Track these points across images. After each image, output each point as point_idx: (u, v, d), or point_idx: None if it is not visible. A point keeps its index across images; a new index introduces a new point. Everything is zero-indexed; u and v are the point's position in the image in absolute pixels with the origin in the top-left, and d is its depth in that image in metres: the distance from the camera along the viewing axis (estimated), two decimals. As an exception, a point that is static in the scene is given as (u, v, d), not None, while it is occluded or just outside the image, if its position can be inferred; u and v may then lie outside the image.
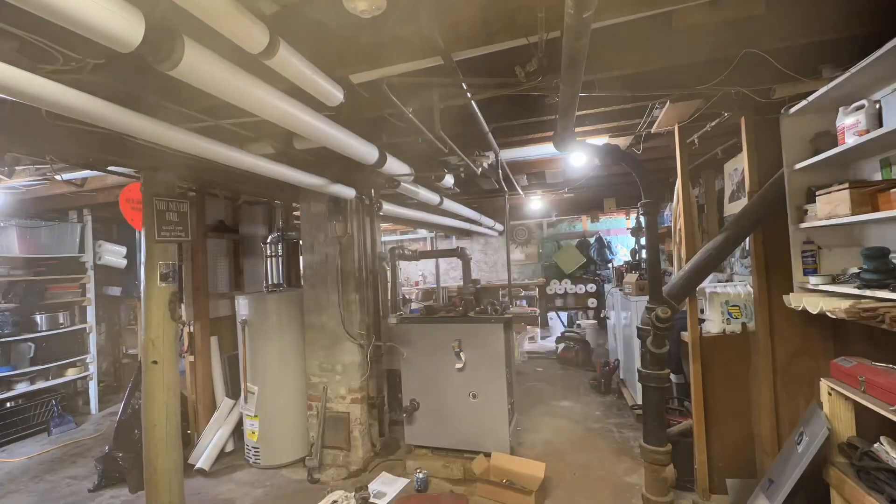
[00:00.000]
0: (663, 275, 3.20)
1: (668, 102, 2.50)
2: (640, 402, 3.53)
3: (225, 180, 3.72)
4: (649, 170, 2.70)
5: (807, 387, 2.49)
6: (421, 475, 3.19)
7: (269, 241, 4.62)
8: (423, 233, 10.02)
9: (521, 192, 5.31)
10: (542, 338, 8.17)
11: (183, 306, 3.93)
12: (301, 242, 4.08)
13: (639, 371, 2.64)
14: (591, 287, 8.27)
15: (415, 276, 10.05)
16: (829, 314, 1.91)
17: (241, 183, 3.82)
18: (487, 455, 3.29)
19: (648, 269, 2.68)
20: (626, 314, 4.79)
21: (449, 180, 3.95)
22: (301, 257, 4.53)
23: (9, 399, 4.59)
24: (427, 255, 4.91)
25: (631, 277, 4.75)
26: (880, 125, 1.74)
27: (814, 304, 2.02)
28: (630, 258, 7.44)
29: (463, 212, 6.13)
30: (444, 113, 2.46)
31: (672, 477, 2.53)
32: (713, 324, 2.88)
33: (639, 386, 2.75)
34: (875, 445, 1.78)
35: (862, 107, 1.80)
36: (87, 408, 5.30)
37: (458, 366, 3.37)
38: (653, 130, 2.96)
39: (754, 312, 2.68)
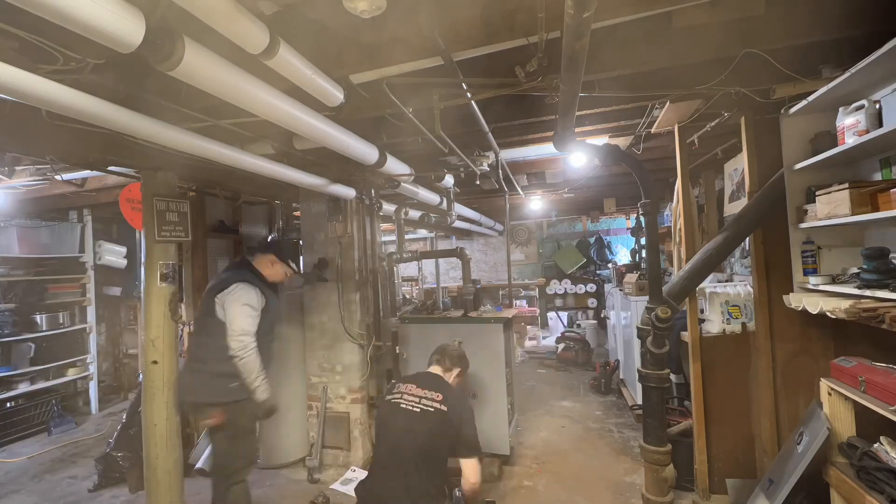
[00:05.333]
0: (663, 275, 3.20)
1: (668, 102, 2.50)
2: (640, 402, 3.53)
3: (225, 180, 3.72)
4: (649, 170, 2.70)
5: (807, 387, 2.49)
6: None
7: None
8: (423, 233, 10.02)
9: (521, 192, 5.31)
10: (543, 338, 8.17)
11: (183, 306, 3.93)
12: (301, 242, 4.09)
13: (639, 371, 2.63)
14: (591, 287, 8.27)
15: (415, 275, 10.05)
16: (829, 314, 1.91)
17: (241, 183, 3.82)
18: (489, 456, 3.30)
19: (648, 269, 2.68)
20: (626, 314, 4.79)
21: (449, 180, 3.95)
22: (301, 257, 4.53)
23: (9, 399, 4.59)
24: (427, 255, 4.92)
25: (631, 277, 4.75)
26: (880, 125, 1.74)
27: (814, 304, 2.02)
28: (630, 258, 7.45)
29: (463, 212, 6.13)
30: (444, 113, 2.46)
31: (672, 477, 2.53)
32: (713, 324, 2.88)
33: (639, 386, 2.75)
34: (875, 445, 1.78)
35: (862, 107, 1.80)
36: (88, 408, 5.30)
37: (458, 366, 3.37)
38: (653, 130, 2.96)
39: (754, 312, 2.68)
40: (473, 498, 2.13)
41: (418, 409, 2.11)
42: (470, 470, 2.08)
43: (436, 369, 2.42)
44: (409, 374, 2.48)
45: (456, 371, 2.45)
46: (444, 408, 2.10)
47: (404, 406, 2.14)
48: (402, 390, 2.23)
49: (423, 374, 2.40)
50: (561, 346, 6.67)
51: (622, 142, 3.43)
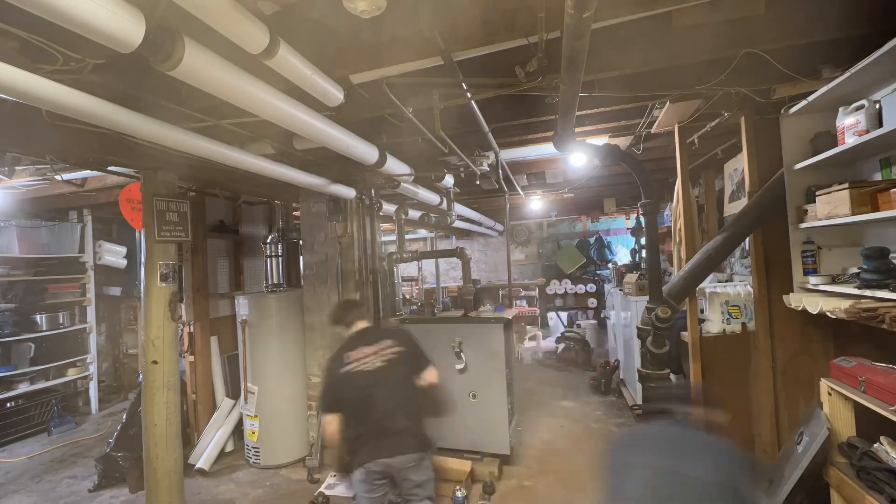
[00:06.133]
0: (663, 275, 3.20)
1: (668, 102, 2.50)
2: (640, 402, 3.53)
3: (225, 180, 3.72)
4: (649, 170, 2.70)
5: (807, 387, 2.49)
6: None
7: (269, 241, 4.61)
8: (423, 233, 10.02)
9: (521, 192, 5.31)
10: (543, 338, 8.17)
11: (183, 306, 3.93)
12: (301, 242, 4.09)
13: (639, 371, 2.64)
14: (591, 287, 8.29)
15: (415, 275, 10.05)
16: (828, 314, 1.91)
17: (241, 183, 3.82)
18: (489, 455, 3.30)
19: (648, 269, 2.68)
20: (626, 314, 4.79)
21: (449, 180, 3.95)
22: (301, 257, 4.54)
23: (9, 399, 4.59)
24: (427, 255, 4.92)
25: (631, 277, 4.75)
26: (880, 125, 1.74)
27: (814, 304, 2.02)
28: (630, 258, 7.45)
29: (463, 212, 6.13)
30: (444, 113, 2.45)
31: (672, 477, 2.53)
32: (713, 324, 2.88)
33: (639, 386, 2.75)
34: (875, 445, 1.78)
35: (862, 107, 1.80)
36: (88, 408, 5.30)
37: (459, 366, 3.37)
38: (653, 130, 2.96)
39: (754, 312, 2.68)
40: (434, 390, 2.44)
41: (382, 363, 2.24)
42: (431, 374, 2.37)
43: (363, 324, 2.48)
44: (347, 343, 2.39)
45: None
46: (401, 348, 2.31)
47: (366, 369, 2.22)
48: (355, 357, 2.27)
49: (360, 334, 2.42)
50: (561, 346, 6.67)
51: (622, 142, 3.42)
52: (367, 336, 2.39)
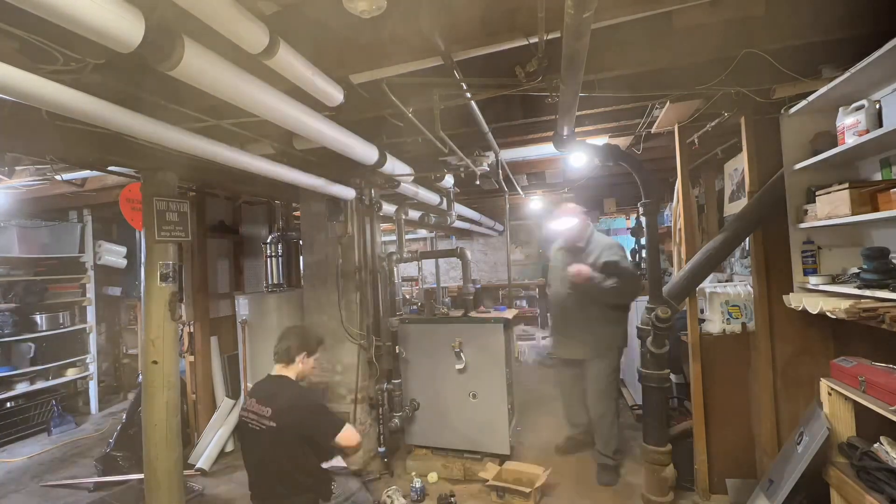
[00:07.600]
0: (663, 275, 3.20)
1: (668, 102, 2.50)
2: (640, 402, 3.53)
3: (225, 180, 3.72)
4: (649, 170, 2.70)
5: (807, 387, 2.49)
6: (418, 484, 3.06)
7: (269, 241, 4.62)
8: (423, 233, 10.03)
9: (521, 192, 5.31)
10: (543, 338, 8.17)
11: (183, 306, 3.93)
12: (301, 242, 4.08)
13: (639, 371, 2.64)
14: (591, 287, 8.26)
15: (415, 275, 10.05)
16: (829, 314, 1.91)
17: (241, 183, 3.82)
18: (489, 455, 3.30)
19: (648, 269, 2.67)
20: (626, 314, 4.78)
21: (449, 180, 3.95)
22: (301, 257, 4.54)
23: (9, 399, 4.59)
24: (427, 255, 4.91)
25: (631, 277, 4.73)
26: (880, 125, 1.74)
27: (814, 304, 2.02)
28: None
29: (463, 212, 6.13)
30: (444, 113, 2.46)
31: (672, 477, 2.53)
32: (713, 324, 2.88)
33: (639, 386, 2.75)
34: (875, 445, 1.78)
35: (862, 107, 1.80)
36: (88, 408, 5.30)
37: (459, 366, 3.37)
38: (653, 130, 2.96)
39: (754, 312, 2.68)
40: (354, 455, 2.21)
41: (258, 429, 1.97)
42: (345, 439, 1.97)
43: (279, 368, 2.11)
44: (257, 382, 2.17)
45: (300, 357, 2.11)
46: (273, 423, 1.92)
47: (252, 426, 1.99)
48: (247, 407, 2.04)
49: (264, 382, 2.12)
50: (561, 346, 6.64)
51: (622, 142, 3.43)
52: (264, 390, 2.06)
